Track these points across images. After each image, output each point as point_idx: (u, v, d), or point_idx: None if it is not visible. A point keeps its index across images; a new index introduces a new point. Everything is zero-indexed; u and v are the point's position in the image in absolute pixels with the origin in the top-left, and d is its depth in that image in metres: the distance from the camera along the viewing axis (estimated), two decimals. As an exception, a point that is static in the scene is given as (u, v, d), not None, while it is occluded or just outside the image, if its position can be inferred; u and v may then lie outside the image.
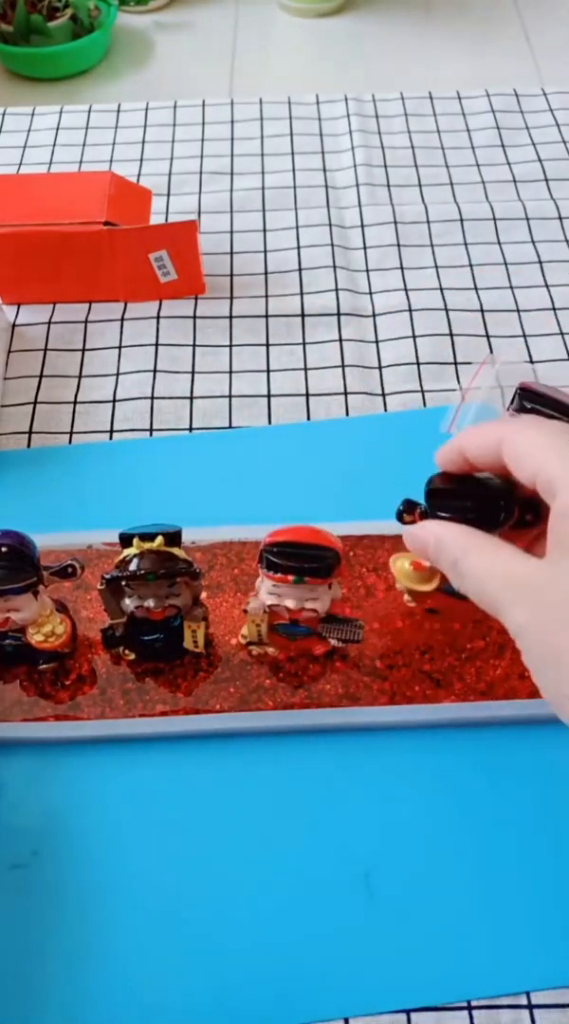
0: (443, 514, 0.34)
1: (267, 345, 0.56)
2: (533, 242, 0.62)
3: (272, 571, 0.36)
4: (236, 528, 0.45)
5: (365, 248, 0.62)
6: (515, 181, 0.67)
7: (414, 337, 0.56)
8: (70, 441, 0.51)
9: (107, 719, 0.39)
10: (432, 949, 0.34)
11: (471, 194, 0.66)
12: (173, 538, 0.37)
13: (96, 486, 0.49)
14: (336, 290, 0.59)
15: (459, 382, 0.53)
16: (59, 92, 1.57)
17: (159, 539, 0.37)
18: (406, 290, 0.59)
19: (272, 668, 0.41)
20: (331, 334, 0.56)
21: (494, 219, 0.63)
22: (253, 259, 0.61)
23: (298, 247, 0.62)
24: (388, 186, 0.66)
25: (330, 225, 0.63)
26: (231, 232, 0.63)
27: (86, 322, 0.57)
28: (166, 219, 0.64)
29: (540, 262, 0.61)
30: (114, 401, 0.53)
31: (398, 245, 0.62)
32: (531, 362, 0.55)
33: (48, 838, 0.37)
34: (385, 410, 0.52)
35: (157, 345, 0.56)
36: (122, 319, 0.58)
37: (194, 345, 0.56)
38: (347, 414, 0.52)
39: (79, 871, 0.36)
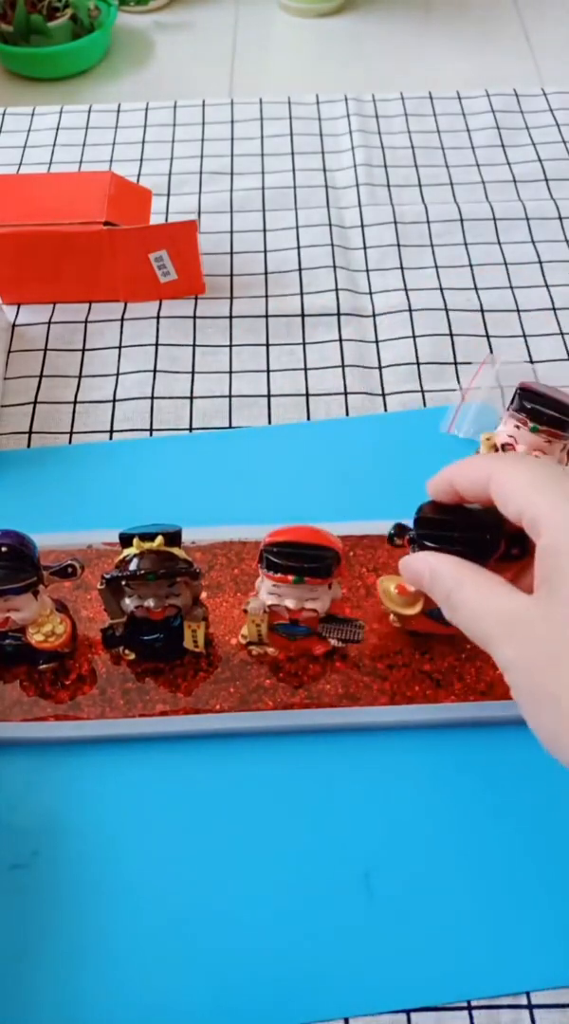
0: (430, 544, 0.35)
1: (267, 345, 0.56)
2: (533, 242, 0.62)
3: (272, 571, 0.36)
4: (236, 528, 0.45)
5: (365, 248, 0.62)
6: (515, 181, 0.67)
7: (414, 337, 0.56)
8: (70, 441, 0.51)
9: (107, 719, 0.39)
10: (432, 949, 0.34)
11: (471, 194, 0.66)
12: (173, 538, 0.37)
13: (96, 486, 0.49)
14: (336, 290, 0.59)
15: (459, 382, 0.53)
16: (59, 92, 1.57)
17: (159, 539, 0.37)
18: (406, 290, 0.59)
19: (272, 668, 0.41)
20: (331, 334, 0.56)
21: (494, 219, 0.63)
22: (253, 259, 0.61)
23: (298, 247, 0.62)
24: (388, 186, 0.66)
25: (330, 225, 0.63)
26: (231, 232, 0.63)
27: (86, 322, 0.57)
28: (166, 219, 0.64)
29: (540, 262, 0.61)
30: (114, 401, 0.53)
31: (398, 245, 0.62)
32: (531, 362, 0.55)
33: (48, 838, 0.37)
34: (385, 410, 0.52)
35: (157, 345, 0.56)
36: (122, 319, 0.58)
37: (194, 345, 0.56)
38: (347, 414, 0.52)
39: (79, 871, 0.36)
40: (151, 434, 0.51)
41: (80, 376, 0.55)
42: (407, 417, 0.52)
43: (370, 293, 0.59)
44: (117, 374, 0.55)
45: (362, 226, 0.63)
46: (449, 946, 0.34)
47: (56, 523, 0.45)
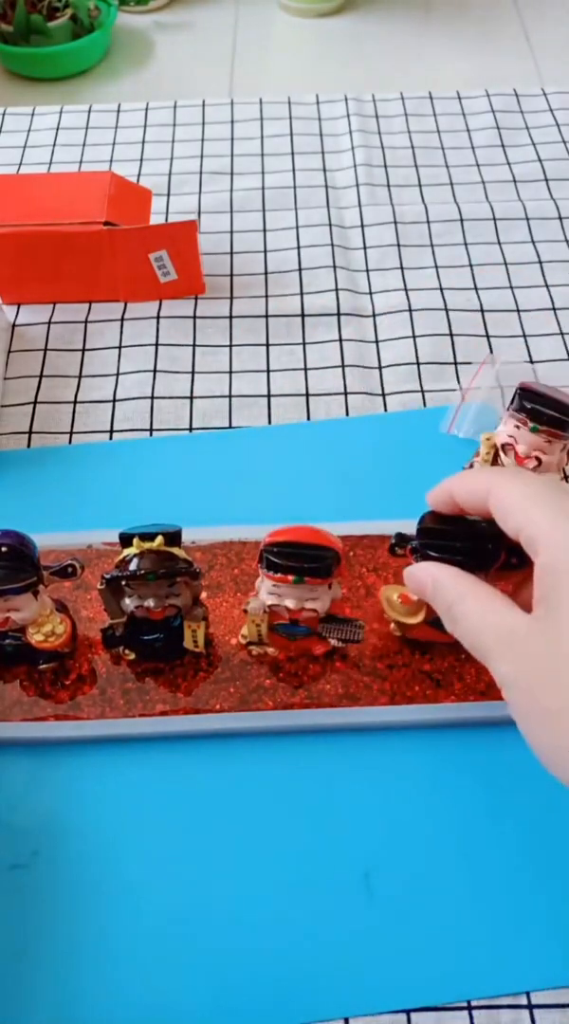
0: (433, 552, 0.35)
1: (267, 345, 0.56)
2: (533, 242, 0.62)
3: (272, 571, 0.36)
4: (236, 528, 0.45)
5: (365, 248, 0.62)
6: (515, 181, 0.67)
7: (414, 337, 0.56)
8: (70, 441, 0.51)
9: (107, 719, 0.39)
10: (432, 949, 0.34)
11: (471, 194, 0.66)
12: (173, 538, 0.37)
13: (96, 486, 0.49)
14: (336, 290, 0.59)
15: (459, 382, 0.53)
16: (59, 92, 1.58)
17: (159, 539, 0.37)
18: (406, 290, 0.59)
19: (272, 668, 0.41)
20: (331, 334, 0.56)
21: (494, 219, 0.63)
22: (253, 259, 0.61)
23: (298, 247, 0.62)
24: (388, 186, 0.66)
25: (330, 225, 0.63)
26: (231, 232, 0.63)
27: (86, 322, 0.57)
28: (166, 219, 0.64)
29: (540, 262, 0.61)
30: (114, 401, 0.53)
31: (398, 245, 0.62)
32: (531, 362, 0.55)
33: (48, 838, 0.37)
34: (385, 410, 0.52)
35: (157, 345, 0.56)
36: (122, 319, 0.58)
37: (194, 345, 0.56)
38: (347, 414, 0.52)
39: (79, 871, 0.36)
40: (151, 434, 0.51)
41: (80, 376, 0.55)
42: (407, 417, 0.52)
43: (370, 293, 0.59)
44: (117, 374, 0.55)
45: (362, 226, 0.63)
46: (449, 946, 0.34)
47: (56, 523, 0.45)
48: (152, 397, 0.53)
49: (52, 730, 0.39)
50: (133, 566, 0.36)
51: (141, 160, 0.69)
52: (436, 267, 0.60)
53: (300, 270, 0.60)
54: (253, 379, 0.54)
